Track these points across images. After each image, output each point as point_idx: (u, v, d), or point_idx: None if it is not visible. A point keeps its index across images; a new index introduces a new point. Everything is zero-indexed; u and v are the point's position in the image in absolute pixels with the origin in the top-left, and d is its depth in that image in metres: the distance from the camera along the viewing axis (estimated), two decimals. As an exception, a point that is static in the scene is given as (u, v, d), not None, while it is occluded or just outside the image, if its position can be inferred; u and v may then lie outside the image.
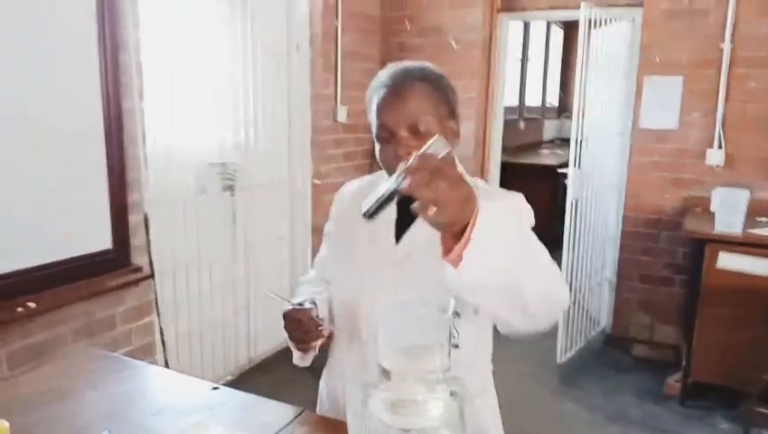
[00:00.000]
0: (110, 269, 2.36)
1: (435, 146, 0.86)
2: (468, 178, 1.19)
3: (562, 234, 3.48)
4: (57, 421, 1.11)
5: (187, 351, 2.97)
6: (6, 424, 0.72)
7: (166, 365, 2.69)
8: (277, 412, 1.16)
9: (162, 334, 2.63)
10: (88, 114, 2.27)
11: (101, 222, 2.34)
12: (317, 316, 1.20)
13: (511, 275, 0.86)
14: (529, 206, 1.16)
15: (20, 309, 1.99)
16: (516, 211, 1.11)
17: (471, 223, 0.82)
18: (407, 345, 0.79)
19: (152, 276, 2.54)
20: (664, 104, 3.58)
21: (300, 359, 1.30)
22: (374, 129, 1.17)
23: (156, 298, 2.60)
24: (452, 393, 0.81)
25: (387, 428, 0.76)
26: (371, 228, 1.19)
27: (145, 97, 2.54)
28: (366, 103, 1.21)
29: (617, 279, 3.85)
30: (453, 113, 1.19)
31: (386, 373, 0.78)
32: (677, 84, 3.53)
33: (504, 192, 1.23)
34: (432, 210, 0.78)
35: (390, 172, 1.15)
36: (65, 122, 2.18)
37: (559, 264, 3.40)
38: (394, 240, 1.21)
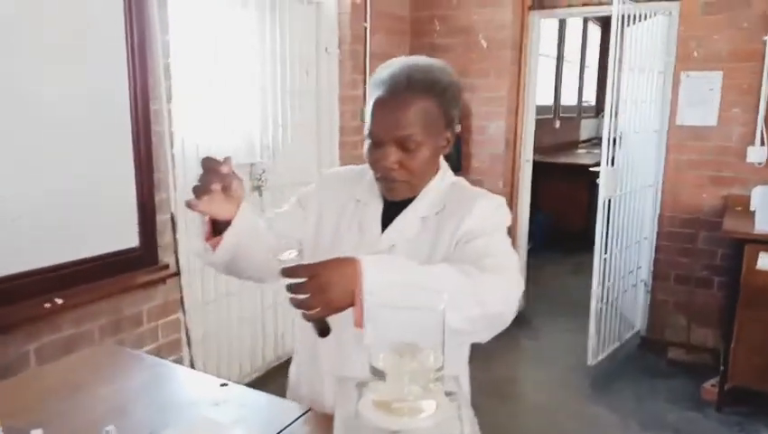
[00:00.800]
0: (137, 267, 2.40)
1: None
2: (449, 179, 1.24)
3: (598, 234, 3.39)
4: (68, 416, 1.13)
5: (214, 348, 3.00)
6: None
7: (191, 363, 2.73)
8: (283, 411, 1.15)
9: (187, 331, 2.67)
10: (116, 115, 2.32)
11: (129, 221, 2.39)
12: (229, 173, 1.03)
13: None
14: (507, 210, 1.20)
15: (47, 305, 2.04)
16: (487, 213, 1.15)
17: (357, 294, 0.89)
18: (399, 344, 0.77)
19: (178, 273, 2.58)
20: (702, 100, 3.47)
21: (203, 247, 1.12)
22: (366, 127, 1.16)
23: (182, 296, 2.64)
24: (447, 393, 0.79)
25: (375, 429, 0.74)
26: (359, 217, 1.23)
27: (175, 98, 2.58)
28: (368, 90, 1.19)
29: (653, 281, 3.75)
30: (450, 123, 1.18)
31: (378, 373, 0.76)
32: (716, 79, 3.41)
33: (484, 192, 1.22)
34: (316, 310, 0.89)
35: (374, 171, 1.18)
36: (93, 123, 2.22)
37: (592, 265, 3.35)
38: (380, 230, 1.21)
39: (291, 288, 0.89)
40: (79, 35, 2.16)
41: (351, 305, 0.90)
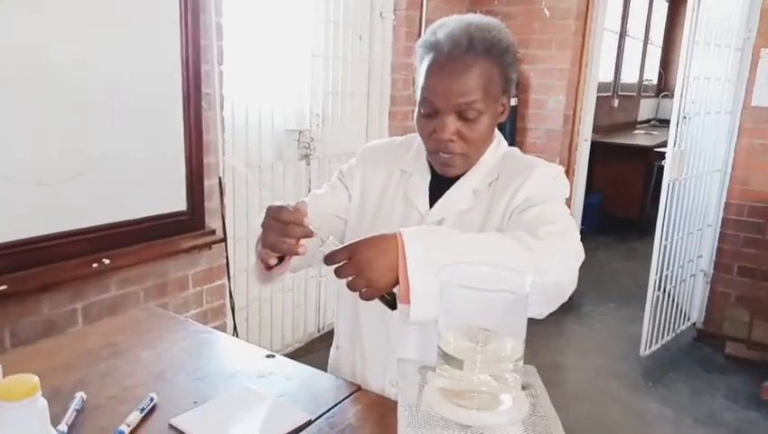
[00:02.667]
0: (184, 231, 2.37)
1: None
2: (502, 149, 1.14)
3: (654, 219, 3.21)
4: (109, 378, 1.09)
5: (257, 316, 2.98)
6: (36, 379, 0.68)
7: (234, 329, 2.71)
8: (330, 388, 1.09)
9: (231, 297, 2.64)
10: (166, 75, 2.26)
11: (177, 184, 2.35)
12: (310, 224, 0.90)
13: None
14: (566, 179, 1.12)
15: (95, 265, 2.02)
16: (545, 181, 1.07)
17: (402, 268, 0.84)
18: (472, 328, 0.68)
19: (224, 240, 2.54)
20: (783, 79, 3.22)
21: (262, 275, 1.06)
22: (418, 94, 1.06)
23: (228, 262, 2.61)
24: (524, 387, 0.70)
25: (443, 422, 0.66)
26: (404, 188, 1.16)
27: (226, 61, 2.52)
28: (415, 52, 1.08)
29: (714, 271, 3.54)
30: (508, 89, 1.08)
31: (447, 358, 0.67)
32: (800, 57, 3.15)
33: (540, 160, 1.12)
34: (364, 290, 0.84)
35: (428, 144, 1.08)
36: (143, 83, 2.17)
37: (650, 251, 3.18)
38: (428, 205, 1.13)
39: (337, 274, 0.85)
40: (133, -10, 2.10)
41: (398, 281, 0.84)
